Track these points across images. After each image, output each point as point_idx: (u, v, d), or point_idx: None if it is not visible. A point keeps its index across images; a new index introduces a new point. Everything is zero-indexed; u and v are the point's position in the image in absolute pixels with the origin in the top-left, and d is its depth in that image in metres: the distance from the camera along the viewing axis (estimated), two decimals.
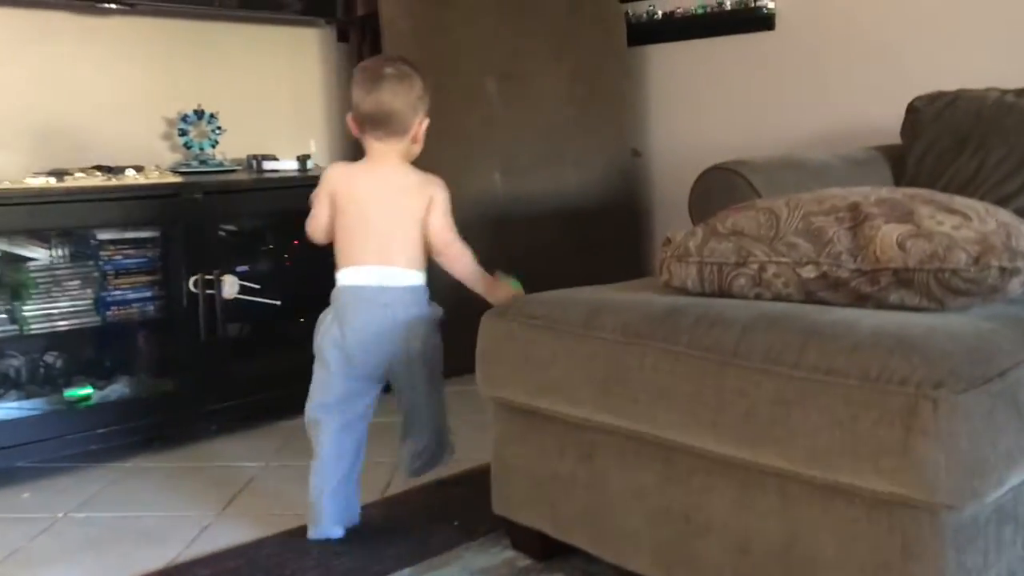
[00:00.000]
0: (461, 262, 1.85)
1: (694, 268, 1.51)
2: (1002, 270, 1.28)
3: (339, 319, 1.80)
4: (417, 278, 1.83)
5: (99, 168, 2.50)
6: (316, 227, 1.86)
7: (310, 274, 2.84)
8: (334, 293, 1.83)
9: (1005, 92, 2.40)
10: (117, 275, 2.42)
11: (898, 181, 2.46)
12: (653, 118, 3.42)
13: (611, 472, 1.52)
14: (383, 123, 1.81)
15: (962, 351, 1.16)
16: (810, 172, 2.32)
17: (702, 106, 3.47)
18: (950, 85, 2.57)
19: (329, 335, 1.81)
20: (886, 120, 2.73)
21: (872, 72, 2.99)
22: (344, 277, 1.81)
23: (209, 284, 2.45)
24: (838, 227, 1.39)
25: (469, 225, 3.03)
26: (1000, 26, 2.71)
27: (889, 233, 1.34)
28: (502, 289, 1.84)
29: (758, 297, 1.46)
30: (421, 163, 1.94)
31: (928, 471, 1.11)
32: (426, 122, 1.89)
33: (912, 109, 2.54)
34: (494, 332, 1.65)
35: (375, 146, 1.84)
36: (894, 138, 2.62)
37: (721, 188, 2.19)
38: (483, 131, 3.10)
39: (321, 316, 1.85)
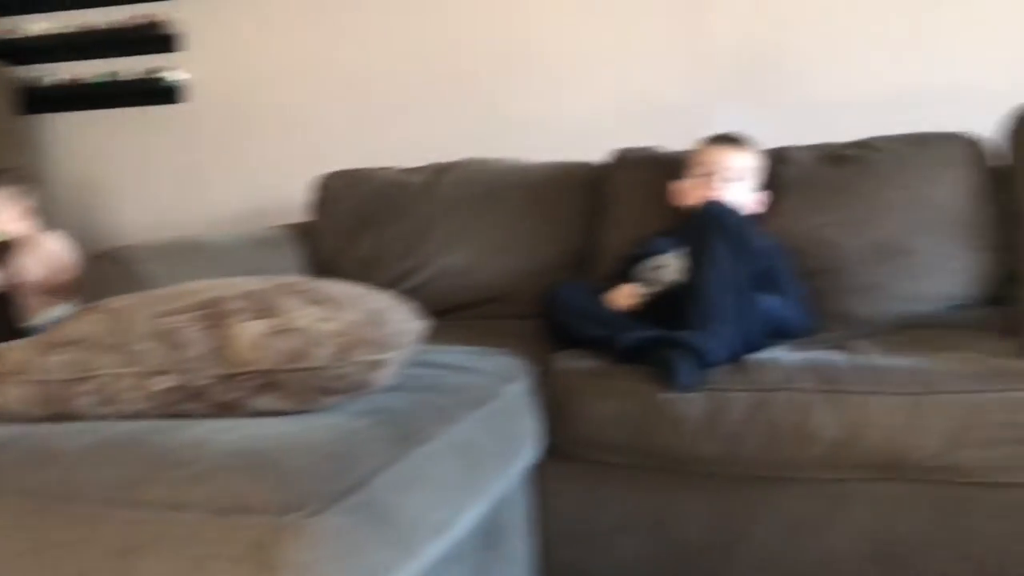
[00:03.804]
0: None
1: (33, 388, 1.22)
2: (368, 363, 1.19)
3: None
4: None
5: None
6: None
7: None
8: None
9: (404, 171, 2.47)
10: None
11: (309, 260, 2.40)
12: (60, 195, 3.02)
13: None
14: None
15: (321, 464, 1.04)
16: (210, 256, 2.16)
17: (113, 183, 3.15)
18: (358, 163, 2.60)
19: None
20: (302, 196, 2.68)
21: (286, 148, 2.94)
22: None
23: None
24: (195, 327, 1.21)
25: None
26: (400, 108, 2.82)
27: (250, 331, 1.19)
28: None
29: (107, 417, 1.22)
30: None
31: None
32: None
33: (320, 187, 2.52)
34: None
35: None
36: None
37: (106, 279, 1.92)
38: None
39: None
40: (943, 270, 2.00)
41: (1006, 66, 2.36)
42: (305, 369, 1.17)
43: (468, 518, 1.29)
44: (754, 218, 2.03)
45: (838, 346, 1.74)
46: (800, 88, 2.50)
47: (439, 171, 2.42)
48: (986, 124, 2.13)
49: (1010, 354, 1.66)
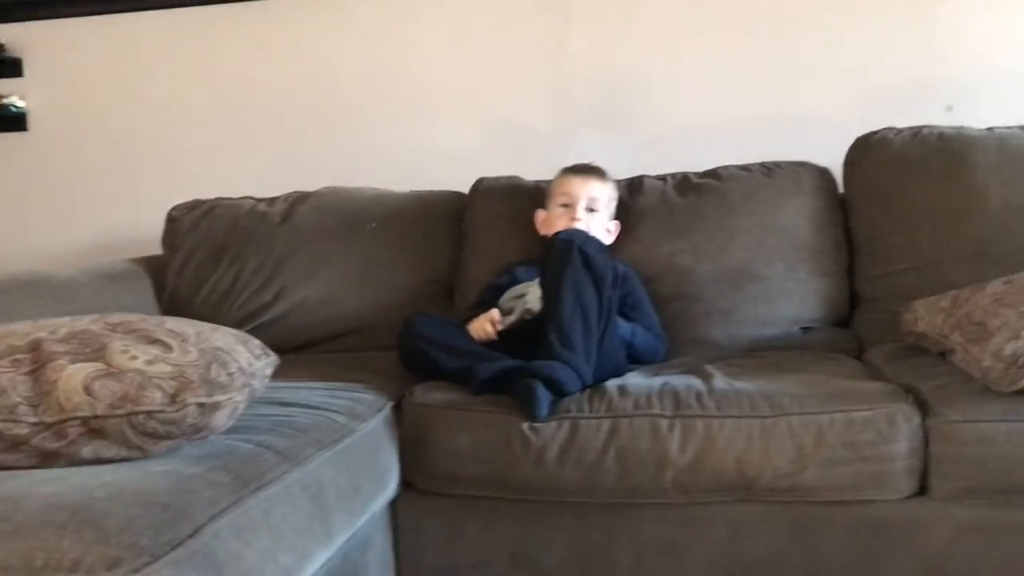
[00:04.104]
0: None
1: None
2: (201, 406, 1.14)
3: None
4: None
5: None
6: None
7: None
8: None
9: (259, 201, 2.41)
10: None
11: (160, 294, 2.31)
12: None
13: None
14: None
15: (149, 514, 0.98)
16: (55, 292, 2.04)
17: None
18: (212, 193, 2.51)
19: None
20: (155, 229, 2.58)
21: (138, 179, 2.83)
22: None
23: None
24: (15, 372, 1.13)
25: None
26: (255, 137, 2.75)
27: (75, 375, 1.12)
28: None
29: None
30: None
31: None
32: None
33: (171, 219, 2.43)
34: None
35: None
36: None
37: None
38: None
39: None
40: (792, 294, 2.07)
41: (852, 98, 2.47)
42: (135, 414, 1.11)
43: (318, 561, 1.25)
44: (610, 246, 2.05)
45: (692, 370, 1.77)
46: (655, 118, 2.56)
47: (296, 201, 2.37)
48: (838, 153, 2.23)
49: (853, 375, 1.73)
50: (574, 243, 1.75)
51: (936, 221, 2.03)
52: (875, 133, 2.18)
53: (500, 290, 2.01)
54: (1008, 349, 1.46)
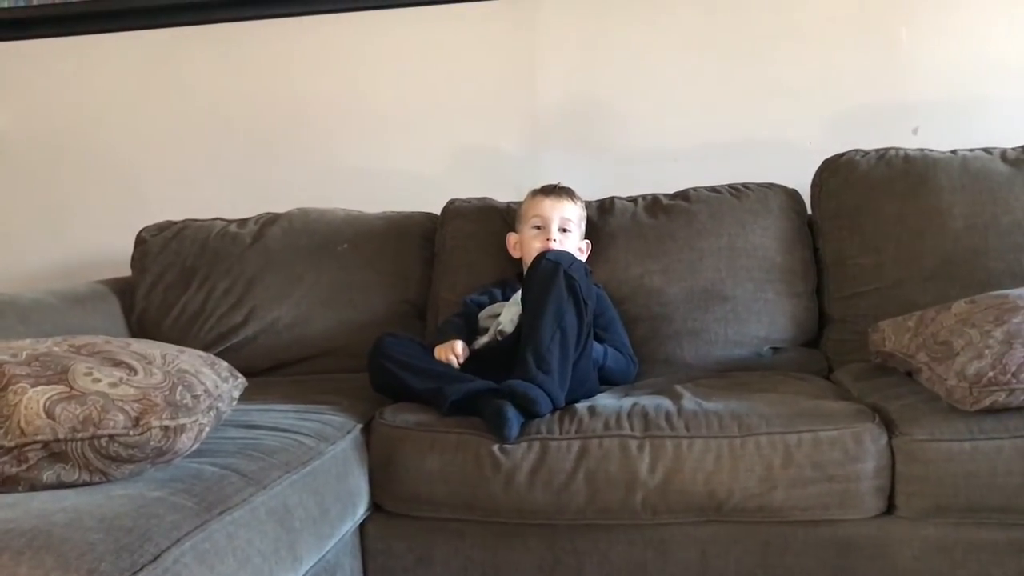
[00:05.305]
0: None
1: None
2: (165, 429, 1.13)
3: None
4: None
5: None
6: None
7: None
8: None
9: (229, 222, 2.40)
10: None
11: (128, 316, 2.29)
12: None
13: None
14: None
15: (110, 540, 0.97)
16: (20, 315, 2.01)
17: None
18: (181, 214, 2.50)
19: None
20: (123, 251, 2.56)
21: (106, 200, 2.81)
22: None
23: None
24: None
25: None
26: (225, 159, 2.74)
27: (36, 399, 1.11)
28: None
29: None
30: None
31: None
32: None
33: (140, 240, 2.41)
34: None
35: None
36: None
37: None
38: None
39: None
40: (761, 314, 2.08)
41: (820, 121, 2.50)
42: (97, 437, 1.10)
43: None
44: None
45: (662, 391, 1.78)
46: (624, 140, 2.58)
47: (266, 222, 2.36)
48: (806, 175, 2.26)
49: (821, 395, 1.74)
50: (560, 266, 1.74)
51: (902, 241, 2.05)
52: (842, 155, 2.21)
53: (479, 305, 2.01)
54: (972, 368, 1.47)
